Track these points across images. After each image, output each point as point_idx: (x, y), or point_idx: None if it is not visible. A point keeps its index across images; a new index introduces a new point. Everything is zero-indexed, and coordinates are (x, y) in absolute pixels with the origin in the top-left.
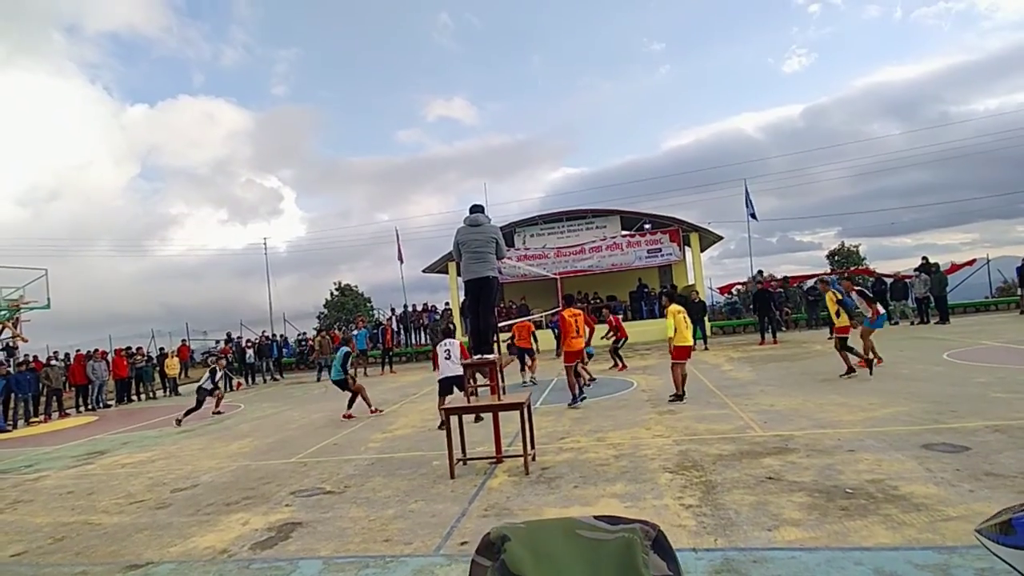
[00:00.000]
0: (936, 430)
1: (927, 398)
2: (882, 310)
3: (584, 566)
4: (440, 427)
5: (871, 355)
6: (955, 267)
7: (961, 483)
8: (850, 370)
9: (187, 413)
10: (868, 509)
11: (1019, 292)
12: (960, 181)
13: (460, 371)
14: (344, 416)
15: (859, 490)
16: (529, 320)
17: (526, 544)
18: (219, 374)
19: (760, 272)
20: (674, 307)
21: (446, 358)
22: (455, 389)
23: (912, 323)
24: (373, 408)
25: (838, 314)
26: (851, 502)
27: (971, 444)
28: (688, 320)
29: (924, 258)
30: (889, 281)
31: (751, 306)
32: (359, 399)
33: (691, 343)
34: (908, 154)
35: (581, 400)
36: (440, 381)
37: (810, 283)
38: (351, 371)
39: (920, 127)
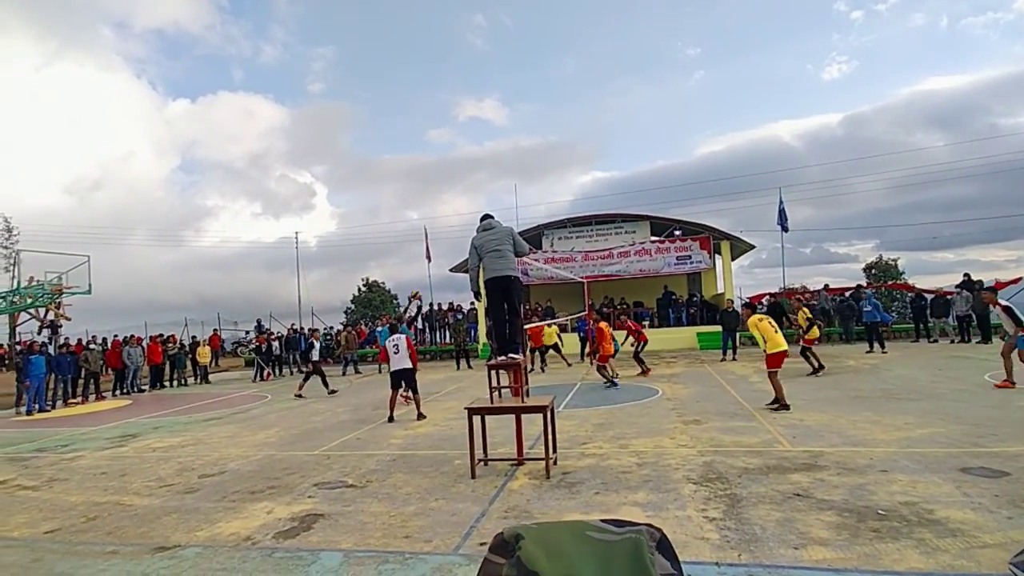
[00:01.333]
0: (975, 453)
1: (966, 420)
2: None
3: (596, 563)
4: (389, 421)
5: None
6: (1000, 285)
7: (999, 509)
8: (820, 367)
9: (324, 384)
10: (901, 532)
11: None
12: (1006, 196)
13: (406, 365)
14: (404, 398)
15: (892, 512)
16: (541, 324)
17: (539, 543)
18: (317, 346)
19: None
20: (754, 317)
21: (395, 353)
22: (403, 383)
23: (952, 341)
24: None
25: (808, 328)
26: (883, 524)
27: (1011, 469)
28: (775, 324)
29: (966, 275)
30: (930, 297)
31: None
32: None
33: (784, 347)
34: (952, 166)
35: (615, 385)
36: (391, 374)
37: (840, 296)
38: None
39: (966, 139)
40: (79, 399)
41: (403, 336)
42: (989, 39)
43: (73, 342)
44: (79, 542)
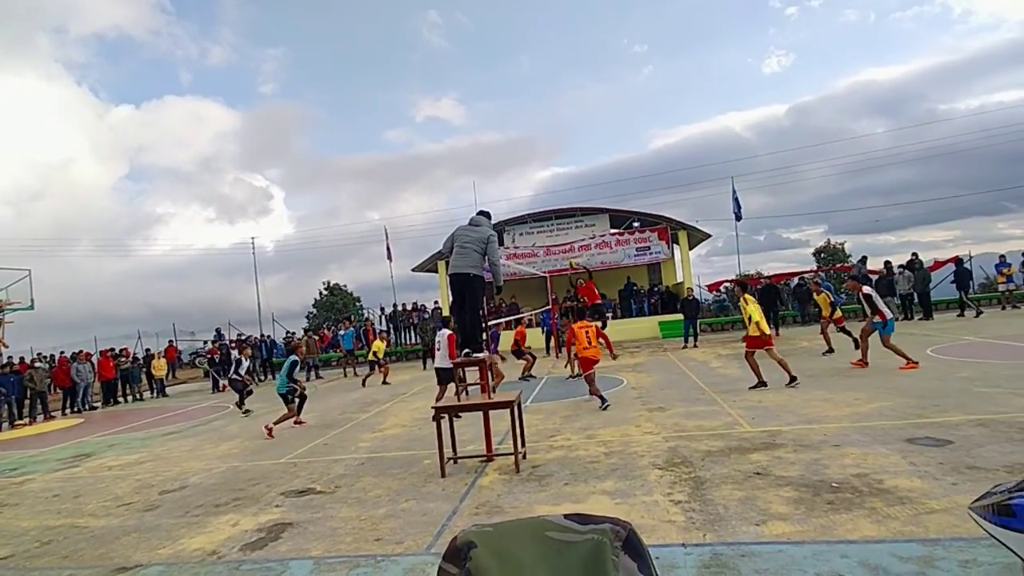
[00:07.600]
0: (920, 424)
1: (911, 393)
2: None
3: (550, 572)
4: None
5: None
6: (938, 264)
7: (944, 476)
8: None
9: (239, 404)
10: (854, 503)
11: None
12: (943, 179)
13: (447, 364)
14: (295, 422)
15: (845, 484)
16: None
17: (493, 549)
18: (245, 363)
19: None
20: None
21: (437, 350)
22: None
23: (896, 319)
24: (297, 419)
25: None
26: (837, 496)
27: (954, 438)
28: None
29: (914, 254)
30: (874, 278)
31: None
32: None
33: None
34: (893, 152)
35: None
36: (436, 370)
37: (796, 280)
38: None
39: (905, 125)
40: (26, 420)
41: (446, 332)
42: (916, 32)
43: (16, 361)
44: (34, 567)
